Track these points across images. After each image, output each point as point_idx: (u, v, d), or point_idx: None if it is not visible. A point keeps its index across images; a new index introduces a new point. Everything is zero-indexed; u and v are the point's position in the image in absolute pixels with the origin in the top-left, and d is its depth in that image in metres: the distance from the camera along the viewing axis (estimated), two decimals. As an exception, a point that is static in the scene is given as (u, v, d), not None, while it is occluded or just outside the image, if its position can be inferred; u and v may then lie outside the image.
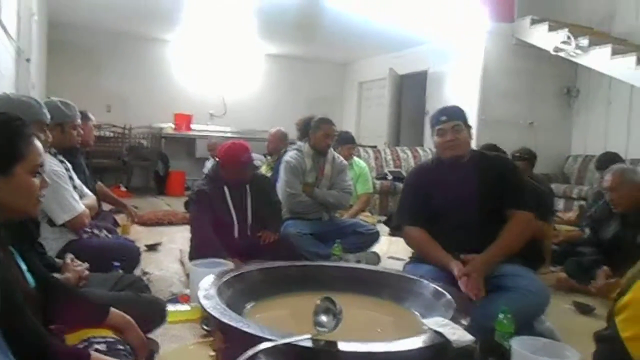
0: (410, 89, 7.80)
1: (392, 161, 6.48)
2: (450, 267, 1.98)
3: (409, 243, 2.27)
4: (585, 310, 2.56)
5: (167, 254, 3.47)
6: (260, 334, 1.14)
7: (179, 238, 3.85)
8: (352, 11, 5.65)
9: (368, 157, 6.39)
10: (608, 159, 3.65)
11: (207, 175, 2.88)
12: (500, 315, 1.76)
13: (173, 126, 7.56)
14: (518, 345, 1.54)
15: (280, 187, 3.24)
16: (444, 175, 2.19)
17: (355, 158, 4.74)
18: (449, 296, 1.50)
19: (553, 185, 5.70)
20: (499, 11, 6.27)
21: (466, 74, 6.60)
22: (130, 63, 7.59)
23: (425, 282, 1.66)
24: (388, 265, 3.38)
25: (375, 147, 7.03)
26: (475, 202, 2.11)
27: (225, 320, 1.21)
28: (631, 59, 5.17)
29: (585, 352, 1.66)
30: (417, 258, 2.29)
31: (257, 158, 2.89)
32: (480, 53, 6.36)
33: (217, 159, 2.81)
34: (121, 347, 1.34)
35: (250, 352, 1.06)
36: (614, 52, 5.33)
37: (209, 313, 1.28)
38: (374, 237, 3.31)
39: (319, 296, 1.72)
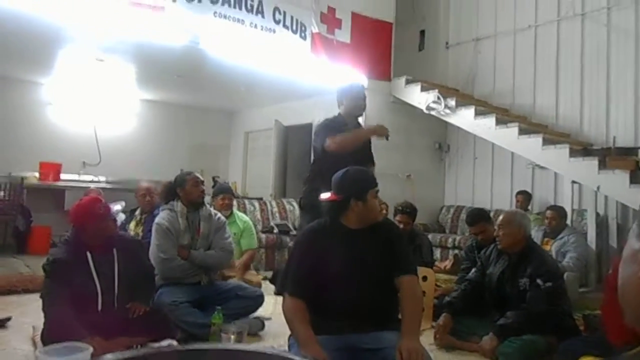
0: (296, 140, 7.90)
1: (279, 213, 6.41)
2: (306, 350, 1.84)
3: (284, 312, 2.13)
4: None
5: (17, 331, 2.98)
6: None
7: (34, 310, 3.33)
8: (236, 62, 5.62)
9: (254, 210, 6.26)
10: (476, 215, 3.91)
11: (66, 240, 2.55)
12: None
13: (38, 175, 6.84)
14: None
15: (152, 252, 2.97)
16: (340, 240, 2.12)
17: (238, 212, 4.60)
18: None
19: (430, 235, 6.01)
20: (377, 70, 6.66)
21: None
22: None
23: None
24: (273, 329, 3.23)
25: (261, 199, 6.94)
26: (367, 271, 2.08)
27: None
28: (491, 119, 5.73)
29: None
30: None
31: (117, 205, 2.59)
32: (361, 109, 6.65)
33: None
34: None
35: None
36: (477, 113, 5.88)
37: None
38: (258, 300, 3.15)
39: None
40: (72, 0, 4.41)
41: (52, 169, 6.91)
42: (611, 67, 5.80)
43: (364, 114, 6.55)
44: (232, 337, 2.44)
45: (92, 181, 7.00)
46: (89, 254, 2.49)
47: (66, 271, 2.39)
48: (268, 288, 4.36)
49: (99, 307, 2.48)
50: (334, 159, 3.03)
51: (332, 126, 3.29)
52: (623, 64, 5.70)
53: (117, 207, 2.62)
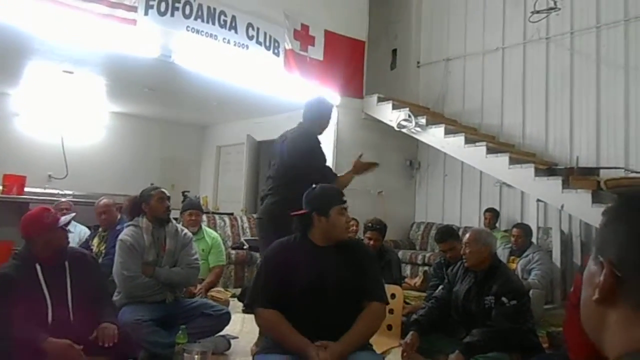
0: (268, 156, 7.87)
1: (249, 229, 6.36)
2: (308, 352, 1.90)
3: (261, 326, 2.14)
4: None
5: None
6: None
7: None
8: (208, 76, 5.58)
9: (224, 225, 6.19)
10: (444, 232, 3.96)
11: (17, 254, 2.49)
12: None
13: (1, 188, 6.64)
14: None
15: (116, 270, 2.90)
16: (305, 256, 2.12)
17: (207, 228, 4.54)
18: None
19: (400, 252, 6.05)
20: (350, 88, 6.73)
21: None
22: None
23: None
24: (240, 348, 3.18)
25: (232, 214, 6.87)
26: (330, 289, 2.07)
27: None
28: (460, 138, 5.84)
29: None
30: (267, 347, 2.16)
31: (67, 216, 2.50)
32: (333, 124, 6.70)
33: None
34: None
35: None
36: (447, 132, 5.99)
37: None
38: (224, 318, 3.09)
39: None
40: (42, 10, 4.33)
41: (16, 182, 6.71)
42: (574, 89, 5.99)
43: (336, 130, 6.65)
44: (196, 357, 2.38)
45: (57, 194, 6.82)
46: (38, 266, 2.40)
47: (11, 285, 2.29)
48: (236, 305, 4.31)
49: (49, 320, 2.39)
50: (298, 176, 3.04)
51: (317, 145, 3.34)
52: (586, 87, 5.90)
53: (66, 217, 2.57)
